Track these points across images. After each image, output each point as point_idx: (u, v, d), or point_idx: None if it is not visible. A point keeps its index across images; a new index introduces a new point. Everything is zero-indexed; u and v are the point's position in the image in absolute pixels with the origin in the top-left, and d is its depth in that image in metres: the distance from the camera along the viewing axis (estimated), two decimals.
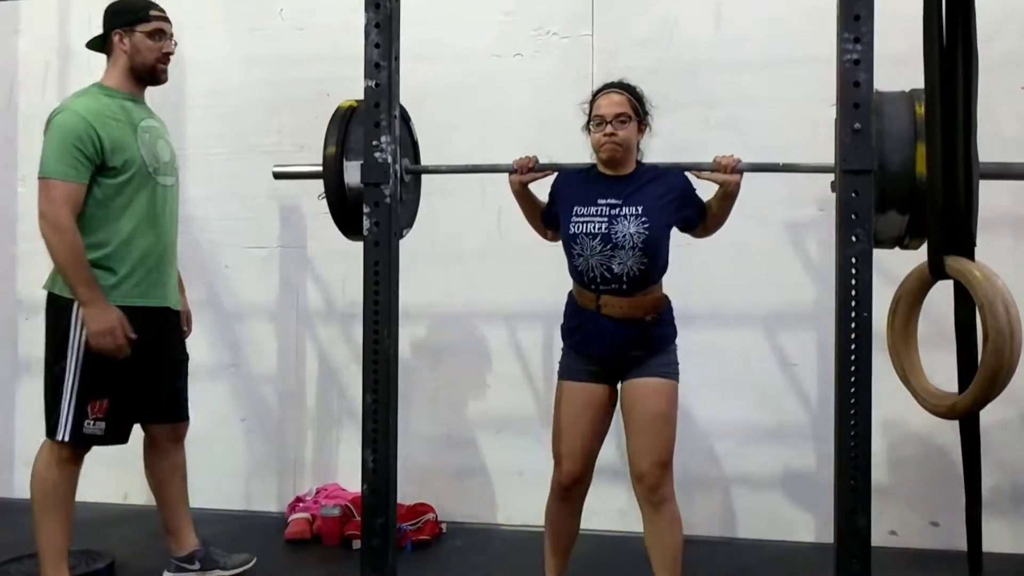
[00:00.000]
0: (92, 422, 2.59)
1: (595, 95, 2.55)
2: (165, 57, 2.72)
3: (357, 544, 3.23)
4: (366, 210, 2.19)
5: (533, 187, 2.65)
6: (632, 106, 2.49)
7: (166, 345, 2.81)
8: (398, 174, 2.23)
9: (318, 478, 3.81)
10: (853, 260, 1.95)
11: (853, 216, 1.95)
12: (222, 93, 3.83)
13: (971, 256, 1.26)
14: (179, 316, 2.90)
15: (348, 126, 2.40)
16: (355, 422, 3.72)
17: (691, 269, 3.40)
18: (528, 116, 3.60)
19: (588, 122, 2.54)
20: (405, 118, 2.71)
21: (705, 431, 3.48)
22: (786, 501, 3.45)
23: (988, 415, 3.29)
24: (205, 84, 3.83)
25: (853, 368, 1.96)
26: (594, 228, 2.44)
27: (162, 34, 2.71)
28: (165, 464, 2.90)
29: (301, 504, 3.61)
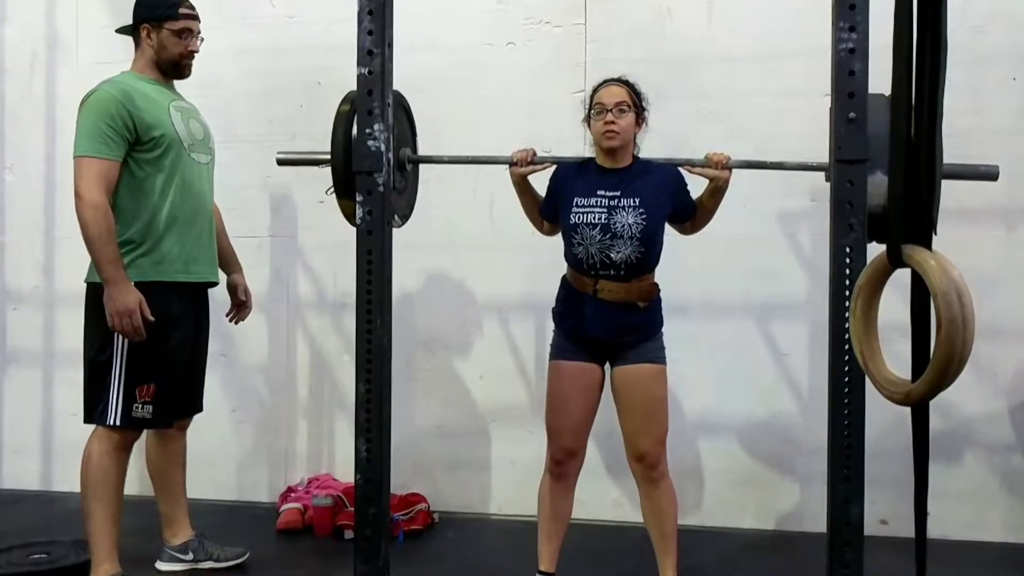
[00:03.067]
0: (140, 406, 2.61)
1: (595, 88, 2.63)
2: (190, 54, 2.75)
3: (349, 534, 3.23)
4: (359, 198, 2.18)
5: (532, 180, 2.67)
6: (631, 98, 2.57)
7: (205, 323, 2.89)
8: (391, 162, 2.22)
9: (310, 468, 3.80)
10: (847, 249, 1.96)
11: (848, 205, 1.96)
12: (212, 83, 3.78)
13: (928, 245, 1.27)
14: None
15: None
16: (346, 412, 3.74)
17: (684, 260, 3.40)
18: (521, 105, 3.60)
19: (588, 114, 2.61)
20: (405, 107, 2.70)
21: (697, 421, 3.49)
22: (778, 491, 3.46)
23: (979, 406, 3.34)
24: (195, 73, 3.76)
25: (847, 358, 1.97)
26: (594, 218, 2.51)
27: (189, 32, 2.73)
28: (168, 452, 2.91)
29: (293, 494, 3.60)
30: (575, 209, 2.54)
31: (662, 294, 2.63)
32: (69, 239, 3.92)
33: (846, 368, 1.98)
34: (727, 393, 3.46)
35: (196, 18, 2.76)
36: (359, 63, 2.16)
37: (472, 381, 3.69)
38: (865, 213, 1.97)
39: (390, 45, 2.21)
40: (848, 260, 1.96)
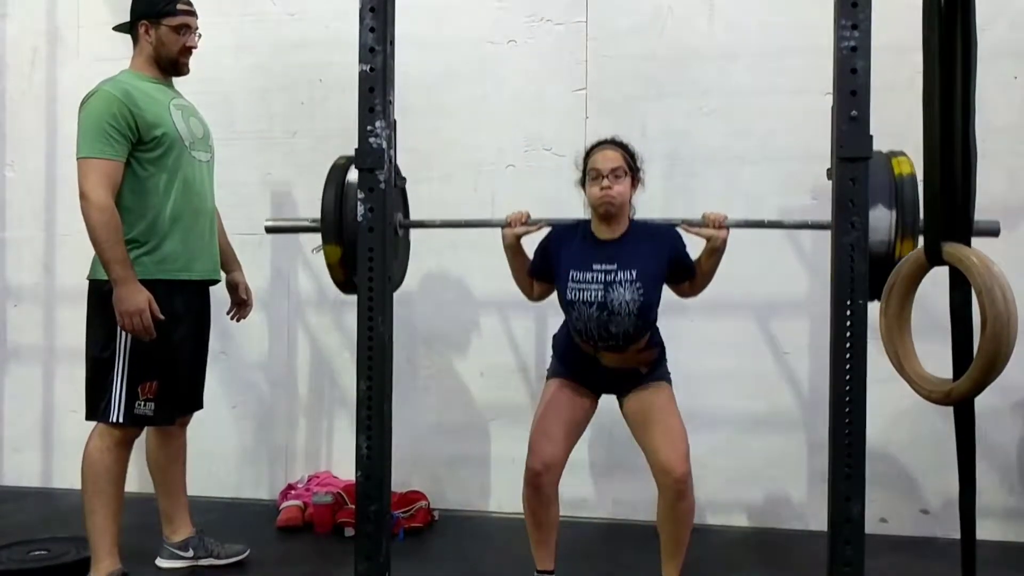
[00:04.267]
0: (143, 403, 2.62)
1: (589, 151, 2.59)
2: (188, 51, 2.75)
3: (349, 532, 3.24)
4: (360, 196, 2.17)
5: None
6: (627, 162, 2.53)
7: (206, 321, 2.89)
8: (393, 160, 2.22)
9: (309, 465, 3.80)
10: (849, 248, 1.96)
11: (849, 203, 1.96)
12: (212, 79, 3.79)
13: (968, 242, 1.26)
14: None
15: (345, 176, 2.46)
16: (346, 410, 3.74)
17: None
18: (522, 103, 3.60)
19: (583, 177, 2.58)
20: (400, 186, 2.65)
21: (698, 418, 3.47)
22: (779, 489, 3.46)
23: (979, 404, 3.33)
24: (195, 70, 3.75)
25: (848, 356, 1.96)
26: (590, 296, 2.50)
27: (187, 28, 2.72)
28: (169, 449, 2.91)
29: (293, 492, 3.60)
30: (571, 284, 2.52)
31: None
32: (69, 235, 3.93)
33: (847, 366, 1.97)
34: (728, 391, 3.46)
35: (194, 14, 2.75)
36: (361, 60, 2.16)
37: (473, 379, 3.69)
38: (867, 216, 1.97)
39: (392, 42, 2.21)
40: (850, 258, 1.96)
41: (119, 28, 2.80)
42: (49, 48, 4.00)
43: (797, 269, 3.42)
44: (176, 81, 2.84)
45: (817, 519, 3.26)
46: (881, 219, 2.19)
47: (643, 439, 2.56)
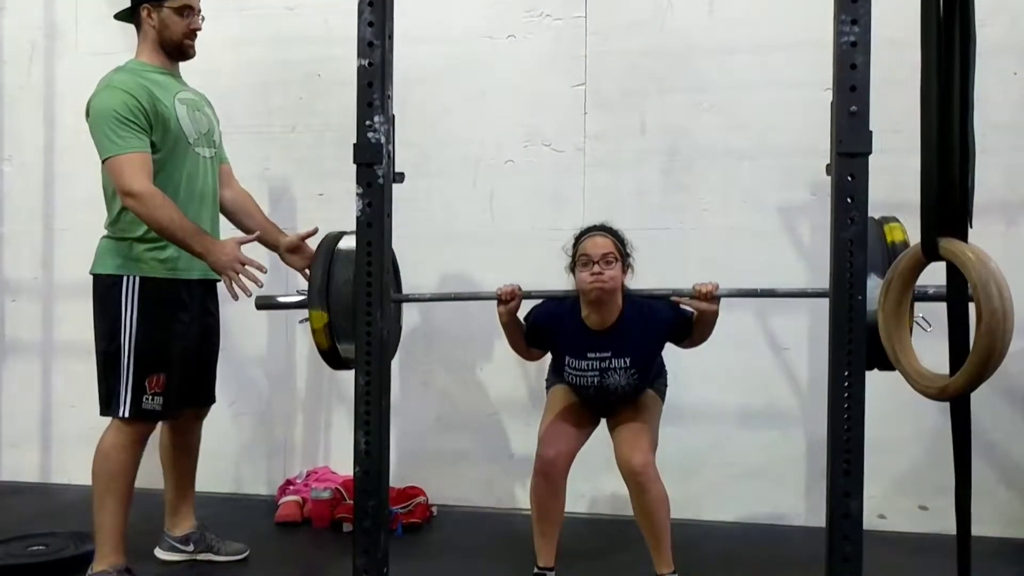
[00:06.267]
0: (151, 397, 2.61)
1: (578, 238, 2.60)
2: (192, 33, 2.71)
3: (348, 527, 3.23)
4: (358, 191, 2.17)
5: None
6: (617, 248, 2.54)
7: (212, 319, 2.88)
8: (391, 154, 2.21)
9: (308, 461, 3.80)
10: (848, 243, 1.95)
11: (848, 199, 1.95)
12: (211, 73, 3.77)
13: (965, 238, 1.26)
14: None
15: (334, 255, 2.42)
16: (345, 405, 3.74)
17: (684, 253, 3.41)
18: (521, 98, 3.59)
19: (572, 263, 2.59)
20: (393, 263, 2.58)
21: (696, 415, 3.48)
22: (776, 485, 3.47)
23: (978, 401, 3.32)
24: (193, 64, 3.78)
25: (847, 352, 1.96)
26: (587, 381, 2.61)
27: (190, 10, 2.70)
28: (183, 441, 2.92)
29: (291, 487, 3.60)
30: (567, 369, 2.63)
31: (662, 287, 2.60)
32: (68, 230, 3.93)
33: (846, 361, 1.97)
34: (726, 386, 3.46)
35: None
36: (359, 54, 2.15)
37: (471, 374, 3.69)
38: (866, 211, 1.97)
39: (390, 37, 2.20)
40: (849, 254, 1.96)
41: (120, 16, 2.76)
42: (47, 42, 3.99)
43: (796, 263, 3.42)
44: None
45: (816, 515, 3.26)
46: (874, 289, 2.14)
47: (612, 434, 2.66)
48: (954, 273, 1.24)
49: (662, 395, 2.78)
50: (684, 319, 2.58)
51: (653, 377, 2.73)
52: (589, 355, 2.57)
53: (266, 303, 2.62)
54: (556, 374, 2.79)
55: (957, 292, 1.27)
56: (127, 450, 2.62)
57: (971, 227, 1.30)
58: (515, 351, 2.73)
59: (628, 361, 2.55)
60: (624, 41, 3.50)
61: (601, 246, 2.51)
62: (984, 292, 1.13)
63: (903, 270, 1.33)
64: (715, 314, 2.47)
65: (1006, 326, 1.14)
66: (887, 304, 1.36)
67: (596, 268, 2.47)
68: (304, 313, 2.41)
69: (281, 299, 2.63)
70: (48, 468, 4.00)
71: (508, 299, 2.54)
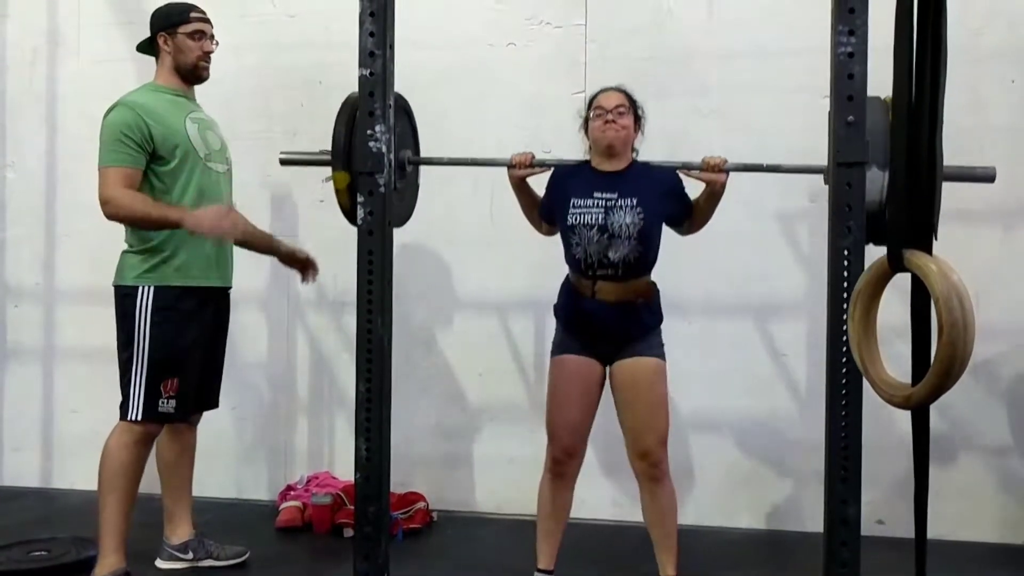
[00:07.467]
0: (165, 400, 2.70)
1: (593, 96, 2.68)
2: (206, 56, 2.87)
3: (348, 532, 3.24)
4: (360, 199, 2.19)
5: (532, 183, 2.71)
6: (629, 102, 2.62)
7: (222, 326, 2.96)
8: (392, 164, 2.23)
9: (309, 466, 3.81)
10: (845, 251, 1.97)
11: (846, 208, 1.97)
12: (213, 80, 3.78)
13: (929, 250, 1.29)
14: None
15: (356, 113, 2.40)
16: (346, 410, 3.75)
17: (683, 259, 3.40)
18: (521, 105, 3.60)
19: (586, 119, 2.66)
20: (407, 110, 2.72)
21: (695, 420, 3.50)
22: (775, 490, 3.47)
23: (976, 406, 3.35)
24: None
25: (844, 359, 1.98)
26: (591, 219, 2.54)
27: (202, 34, 2.85)
28: (177, 446, 2.95)
29: (292, 492, 3.61)
30: (572, 210, 2.57)
31: (661, 292, 2.65)
32: (70, 236, 3.94)
33: (843, 369, 1.99)
34: (725, 392, 3.47)
35: (207, 21, 2.88)
36: (360, 64, 2.17)
37: (472, 379, 3.70)
38: (864, 214, 1.98)
39: (391, 47, 2.22)
40: (846, 262, 1.97)
41: (141, 48, 2.92)
42: (49, 48, 4.00)
43: (794, 270, 3.43)
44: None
45: (814, 520, 3.26)
46: (874, 179, 2.13)
47: (623, 417, 2.61)
48: (918, 285, 1.27)
49: (664, 357, 2.63)
50: (685, 194, 2.65)
51: (654, 297, 2.62)
52: (595, 194, 2.58)
53: (290, 159, 2.72)
54: (561, 325, 2.68)
55: (920, 304, 1.29)
56: (132, 448, 2.67)
57: (936, 239, 1.33)
58: (528, 220, 2.79)
59: (635, 200, 2.54)
60: (623, 48, 3.52)
61: (615, 99, 2.59)
62: (945, 304, 1.16)
63: (870, 280, 1.36)
64: (723, 186, 2.54)
65: (967, 337, 1.17)
66: (856, 314, 1.39)
67: (609, 117, 2.55)
68: (327, 171, 2.45)
69: (305, 156, 2.70)
70: (49, 473, 4.00)
71: (523, 166, 2.62)
